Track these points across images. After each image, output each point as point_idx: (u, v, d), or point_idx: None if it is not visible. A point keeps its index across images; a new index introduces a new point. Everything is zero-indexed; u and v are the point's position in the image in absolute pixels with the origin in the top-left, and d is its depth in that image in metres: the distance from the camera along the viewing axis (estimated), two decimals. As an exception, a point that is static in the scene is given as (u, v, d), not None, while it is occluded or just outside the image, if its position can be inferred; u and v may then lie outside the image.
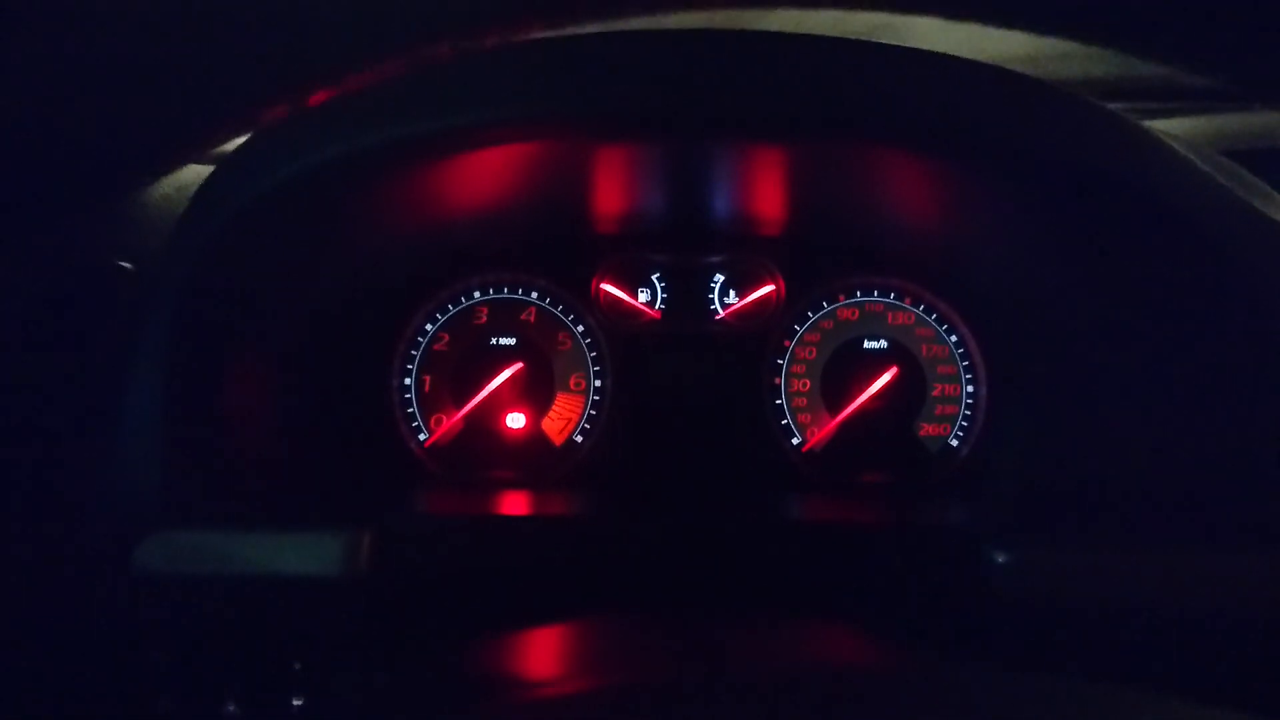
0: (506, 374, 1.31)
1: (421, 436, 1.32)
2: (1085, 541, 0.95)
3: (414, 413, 1.33)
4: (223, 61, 0.34)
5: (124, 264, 1.11)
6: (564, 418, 1.33)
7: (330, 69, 0.34)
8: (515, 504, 1.18)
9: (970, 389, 1.30)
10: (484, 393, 1.31)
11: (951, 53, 0.85)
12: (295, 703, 0.92)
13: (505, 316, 1.34)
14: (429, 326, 1.34)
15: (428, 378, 1.33)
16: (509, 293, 1.35)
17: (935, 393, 1.31)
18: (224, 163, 0.90)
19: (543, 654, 0.84)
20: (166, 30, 0.33)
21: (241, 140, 0.89)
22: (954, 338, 1.31)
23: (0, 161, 0.40)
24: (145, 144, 0.39)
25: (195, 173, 1.20)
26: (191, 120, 0.37)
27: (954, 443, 1.30)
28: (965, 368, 1.30)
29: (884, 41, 0.85)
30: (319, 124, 0.87)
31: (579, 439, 1.33)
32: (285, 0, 0.32)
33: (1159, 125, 1.09)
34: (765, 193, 1.21)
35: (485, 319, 1.34)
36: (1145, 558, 0.91)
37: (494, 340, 1.33)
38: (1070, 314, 1.22)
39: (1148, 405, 1.10)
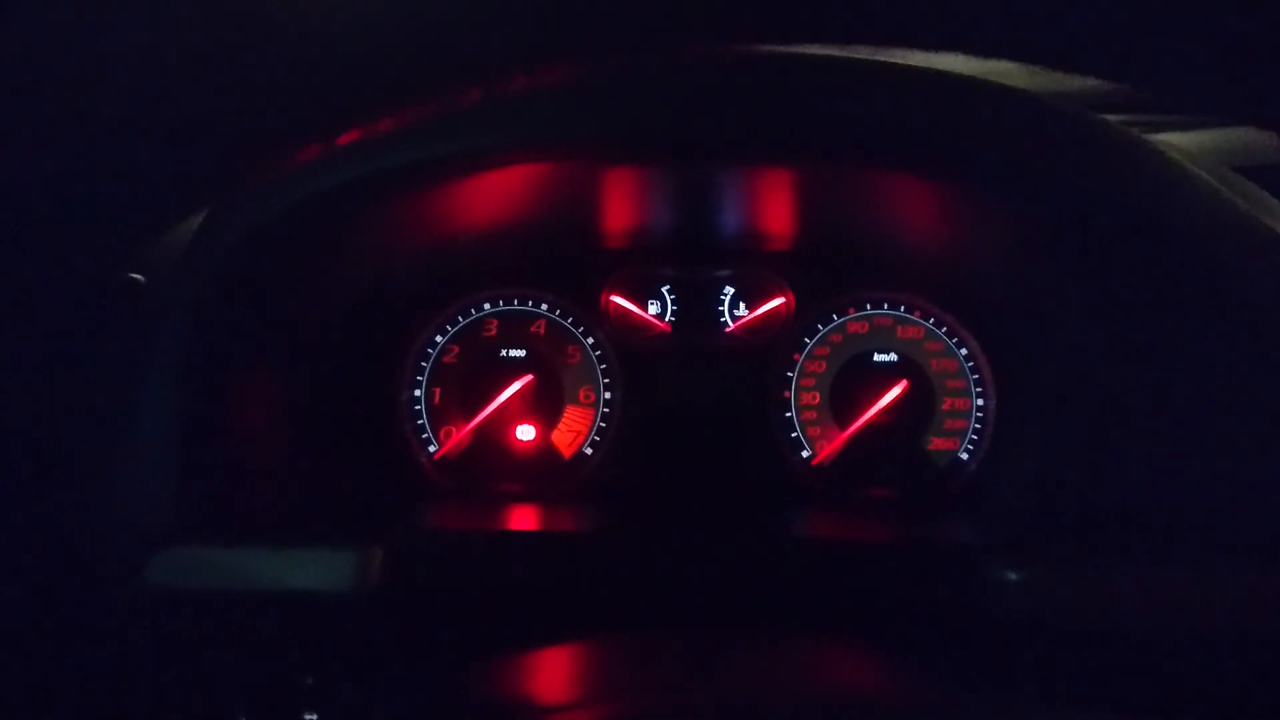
0: (516, 386, 1.31)
1: (431, 449, 1.32)
2: (1095, 559, 0.95)
3: (423, 425, 1.33)
4: (254, 104, 0.34)
5: (135, 276, 1.11)
6: (573, 430, 1.33)
7: (361, 110, 0.34)
8: (524, 518, 1.18)
9: (980, 403, 1.30)
10: (493, 405, 1.31)
11: (954, 69, 0.85)
12: (307, 718, 0.92)
13: (515, 329, 1.34)
14: (438, 339, 1.34)
15: (437, 390, 1.33)
16: (518, 305, 1.35)
17: (945, 406, 1.31)
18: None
19: (551, 674, 0.84)
20: (200, 72, 0.33)
21: None
22: (963, 351, 1.31)
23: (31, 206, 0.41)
24: (177, 187, 0.39)
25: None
26: (225, 162, 0.37)
27: (963, 456, 1.30)
28: (975, 381, 1.30)
29: (884, 59, 0.85)
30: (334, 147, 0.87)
31: (589, 452, 1.33)
32: (318, 45, 0.33)
33: (1164, 139, 1.10)
34: (774, 208, 1.21)
35: (495, 331, 1.34)
36: (1157, 576, 0.91)
37: (503, 353, 1.33)
38: (1078, 328, 1.22)
39: (1157, 421, 1.10)
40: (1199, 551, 0.96)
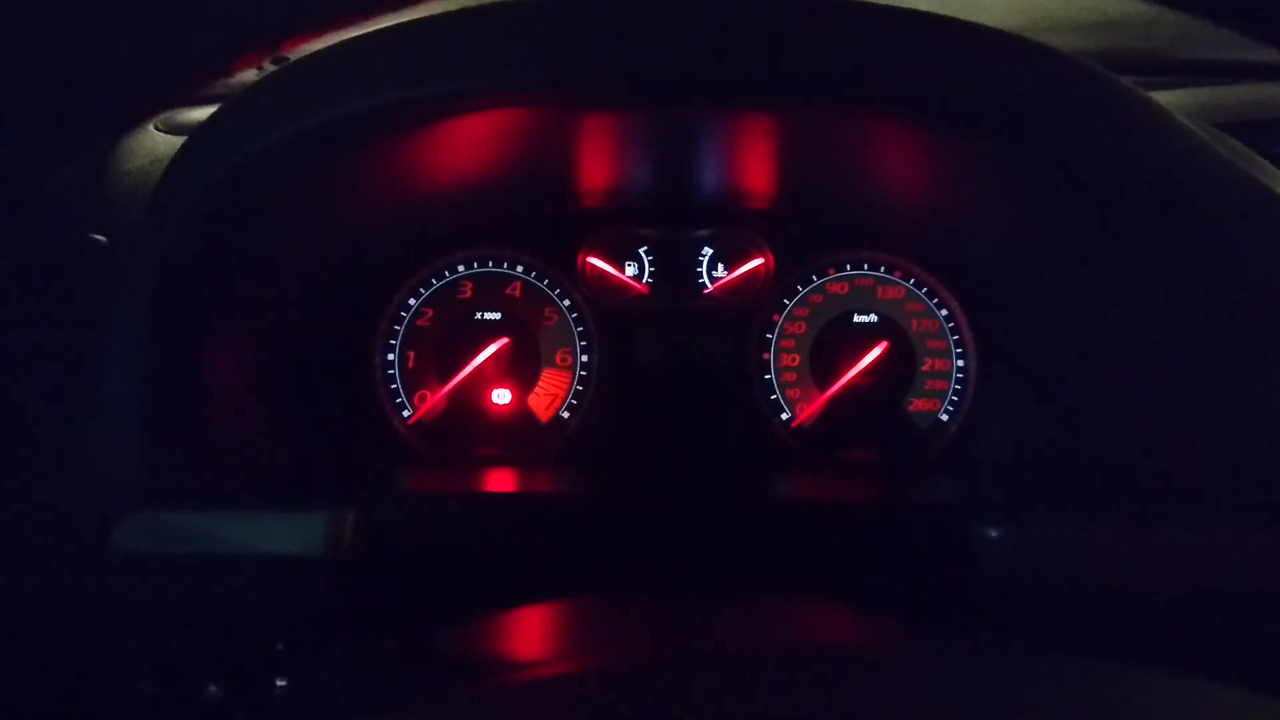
0: (491, 349, 1.29)
1: (405, 414, 1.30)
2: (1076, 518, 0.94)
3: (397, 389, 1.31)
4: (199, 10, 0.32)
5: (97, 236, 1.08)
6: (550, 394, 1.31)
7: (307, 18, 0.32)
8: (501, 481, 1.16)
9: (960, 364, 1.29)
10: (468, 369, 1.29)
11: (937, 9, 0.83)
12: (279, 683, 0.91)
13: (490, 291, 1.32)
14: (412, 301, 1.31)
15: (411, 354, 1.31)
16: (494, 267, 1.32)
17: (925, 367, 1.30)
18: (199, 131, 0.87)
19: (526, 635, 0.83)
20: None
21: (218, 108, 0.87)
22: (944, 312, 1.30)
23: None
24: (122, 90, 0.37)
25: (169, 144, 1.18)
26: (166, 69, 0.35)
27: (944, 418, 1.29)
28: (955, 342, 1.29)
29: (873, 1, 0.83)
30: (294, 92, 0.84)
31: (565, 415, 1.31)
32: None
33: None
34: (753, 165, 1.19)
35: (470, 294, 1.32)
36: (1138, 534, 0.91)
37: (479, 315, 1.31)
38: (1061, 287, 1.21)
39: (1138, 379, 1.09)
40: (1179, 509, 0.96)
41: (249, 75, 1.05)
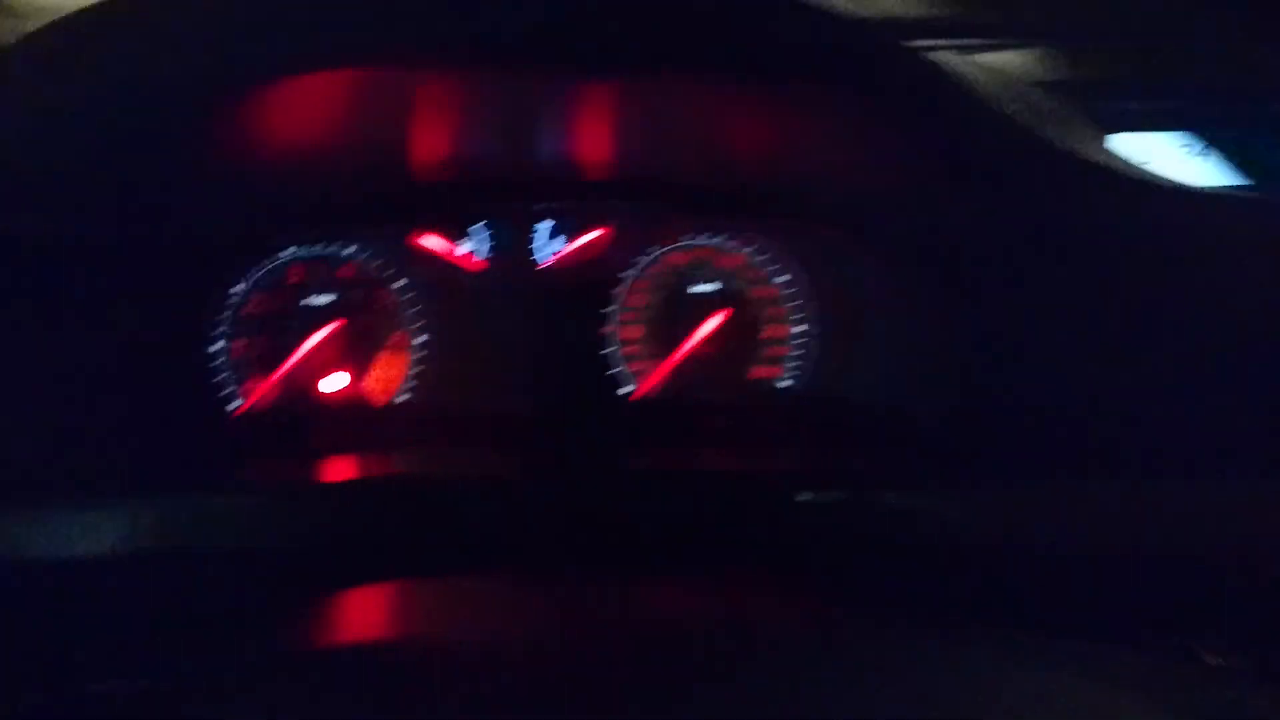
0: (323, 334, 1.25)
1: (235, 404, 1.25)
2: (915, 480, 0.95)
3: (226, 379, 1.26)
4: None
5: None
6: (386, 377, 1.28)
7: None
8: (338, 469, 1.13)
9: (802, 329, 1.29)
10: (300, 354, 1.24)
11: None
12: (94, 688, 0.86)
13: (321, 274, 1.28)
14: (239, 288, 1.26)
15: (240, 342, 1.26)
16: (324, 248, 1.28)
17: (766, 334, 1.29)
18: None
19: (355, 619, 0.81)
20: None
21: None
22: (785, 278, 1.30)
23: None
24: None
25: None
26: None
27: (787, 383, 1.29)
28: (795, 308, 1.29)
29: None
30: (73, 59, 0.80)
31: (403, 398, 1.28)
32: None
33: (979, 59, 1.10)
34: (589, 136, 1.17)
35: (300, 278, 1.27)
36: (968, 495, 0.92)
37: (309, 299, 1.27)
38: (893, 248, 1.22)
39: (977, 339, 1.11)
40: (1014, 469, 0.97)
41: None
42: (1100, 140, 1.01)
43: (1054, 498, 0.91)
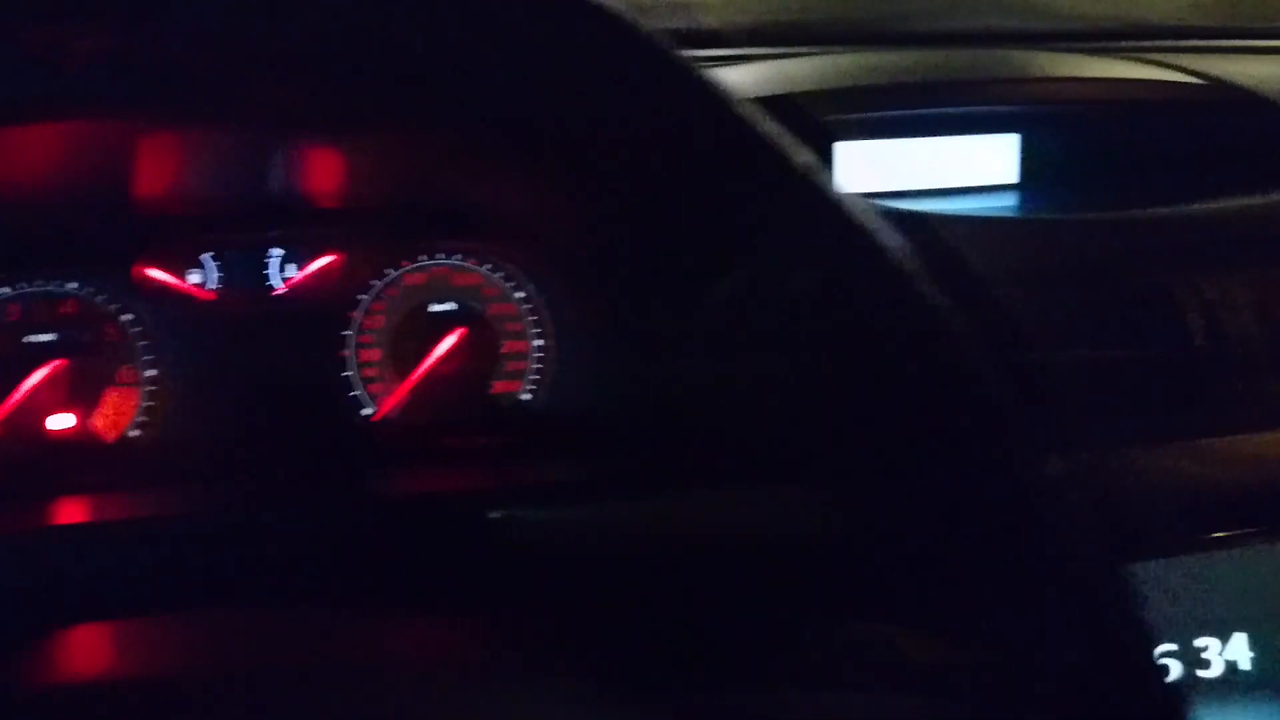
0: (42, 373, 1.22)
1: (-50, 450, 1.22)
2: (674, 485, 0.99)
3: (-59, 426, 1.22)
4: None
5: None
6: (116, 413, 1.26)
7: None
8: (69, 512, 1.11)
9: (539, 343, 1.33)
10: (18, 395, 1.21)
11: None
12: None
13: (41, 312, 1.24)
14: (-49, 330, 1.22)
15: (-46, 387, 1.22)
16: (43, 285, 1.25)
17: (504, 349, 1.32)
18: None
19: (92, 658, 0.80)
20: None
21: None
22: (521, 294, 1.33)
23: None
24: None
25: None
26: None
27: (526, 397, 1.33)
28: (533, 323, 1.33)
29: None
30: None
31: (135, 434, 1.26)
32: None
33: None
34: (316, 167, 1.18)
35: (18, 315, 1.24)
36: (697, 500, 0.96)
37: (29, 338, 1.24)
38: (623, 263, 1.26)
39: (714, 349, 1.15)
40: (746, 470, 1.01)
41: None
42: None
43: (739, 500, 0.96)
